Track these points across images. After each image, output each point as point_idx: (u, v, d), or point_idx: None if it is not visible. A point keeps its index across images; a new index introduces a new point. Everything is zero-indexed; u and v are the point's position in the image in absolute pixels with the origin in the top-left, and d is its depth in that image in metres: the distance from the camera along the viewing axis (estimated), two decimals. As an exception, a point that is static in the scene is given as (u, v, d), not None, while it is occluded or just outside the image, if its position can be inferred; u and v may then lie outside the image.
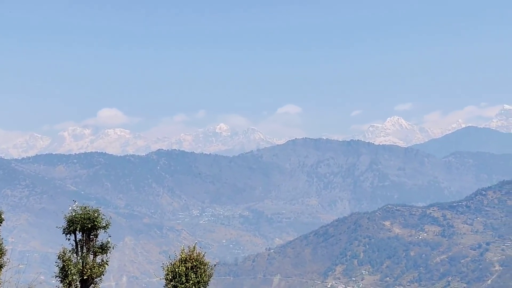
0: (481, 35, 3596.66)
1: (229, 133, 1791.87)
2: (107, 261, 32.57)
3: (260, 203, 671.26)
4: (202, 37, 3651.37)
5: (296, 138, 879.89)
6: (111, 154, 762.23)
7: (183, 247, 31.85)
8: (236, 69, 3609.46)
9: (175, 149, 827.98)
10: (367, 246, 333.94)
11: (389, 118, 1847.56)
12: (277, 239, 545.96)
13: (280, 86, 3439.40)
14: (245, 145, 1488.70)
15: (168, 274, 31.22)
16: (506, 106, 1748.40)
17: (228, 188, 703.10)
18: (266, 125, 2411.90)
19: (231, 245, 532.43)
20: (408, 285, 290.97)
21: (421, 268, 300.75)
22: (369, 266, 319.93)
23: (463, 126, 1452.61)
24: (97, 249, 32.43)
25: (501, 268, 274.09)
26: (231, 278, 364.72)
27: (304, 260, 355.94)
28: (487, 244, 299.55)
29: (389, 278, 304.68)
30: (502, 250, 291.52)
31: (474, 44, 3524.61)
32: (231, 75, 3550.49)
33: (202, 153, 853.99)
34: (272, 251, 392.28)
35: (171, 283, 31.02)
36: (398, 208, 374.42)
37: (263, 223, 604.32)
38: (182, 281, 30.72)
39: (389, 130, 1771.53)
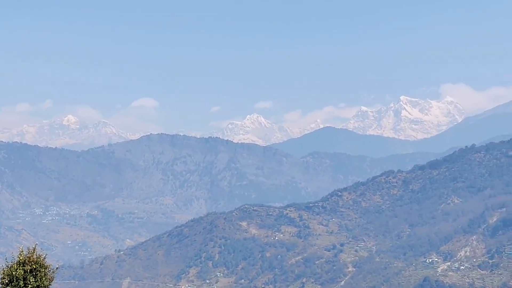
0: (342, 36, 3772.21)
1: (77, 126, 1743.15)
2: None
3: (110, 201, 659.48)
4: (48, 17, 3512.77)
5: (151, 134, 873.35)
6: None
7: (22, 249, 31.00)
8: (87, 56, 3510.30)
9: (16, 142, 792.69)
10: (223, 248, 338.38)
11: (248, 115, 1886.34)
12: (128, 240, 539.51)
13: (135, 77, 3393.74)
14: (96, 139, 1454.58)
15: (4, 278, 30.26)
16: (363, 108, 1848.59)
17: (75, 185, 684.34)
18: (119, 119, 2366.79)
19: (77, 247, 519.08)
20: (263, 287, 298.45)
21: (276, 269, 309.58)
22: (224, 268, 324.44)
23: (322, 126, 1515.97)
24: None
25: (354, 269, 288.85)
26: (76, 282, 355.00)
27: (156, 263, 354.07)
28: (341, 245, 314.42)
29: (244, 280, 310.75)
30: (356, 251, 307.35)
31: (335, 44, 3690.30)
32: (82, 62, 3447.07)
33: (47, 146, 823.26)
34: (122, 253, 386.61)
35: (8, 287, 29.97)
36: (255, 208, 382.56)
37: (113, 223, 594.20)
38: (20, 285, 29.82)
39: (249, 128, 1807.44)
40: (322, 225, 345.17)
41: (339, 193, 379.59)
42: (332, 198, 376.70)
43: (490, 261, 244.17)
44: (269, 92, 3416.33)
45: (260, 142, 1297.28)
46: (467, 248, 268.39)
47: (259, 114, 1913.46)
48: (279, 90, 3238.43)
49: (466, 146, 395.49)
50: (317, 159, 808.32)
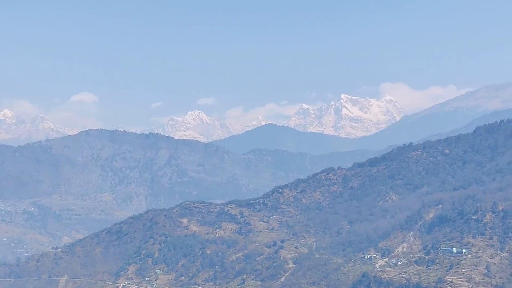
0: (284, 34, 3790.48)
1: (14, 121, 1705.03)
2: None
3: (47, 198, 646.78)
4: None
5: (90, 129, 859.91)
6: None
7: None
8: (25, 48, 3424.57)
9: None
10: (163, 245, 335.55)
11: (190, 112, 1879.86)
12: (65, 237, 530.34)
13: (75, 71, 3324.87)
14: (33, 135, 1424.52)
15: None
16: (304, 106, 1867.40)
17: (11, 181, 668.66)
18: (57, 114, 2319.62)
19: (12, 244, 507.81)
20: (203, 284, 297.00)
21: (217, 266, 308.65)
22: (164, 265, 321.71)
23: (263, 123, 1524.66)
24: None
25: (294, 265, 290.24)
26: (12, 279, 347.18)
27: (94, 260, 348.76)
28: (282, 241, 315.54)
29: (184, 277, 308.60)
30: (296, 247, 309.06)
31: (277, 42, 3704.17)
32: (19, 55, 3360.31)
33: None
34: (59, 250, 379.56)
35: None
36: (196, 205, 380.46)
37: (50, 220, 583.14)
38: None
39: (190, 124, 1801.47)
40: (263, 221, 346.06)
41: (280, 190, 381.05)
42: (273, 195, 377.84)
43: (426, 256, 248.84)
44: (211, 89, 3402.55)
45: (202, 139, 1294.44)
46: (404, 244, 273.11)
47: (200, 111, 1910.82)
48: (222, 86, 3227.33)
49: (404, 144, 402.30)
50: (258, 156, 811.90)
